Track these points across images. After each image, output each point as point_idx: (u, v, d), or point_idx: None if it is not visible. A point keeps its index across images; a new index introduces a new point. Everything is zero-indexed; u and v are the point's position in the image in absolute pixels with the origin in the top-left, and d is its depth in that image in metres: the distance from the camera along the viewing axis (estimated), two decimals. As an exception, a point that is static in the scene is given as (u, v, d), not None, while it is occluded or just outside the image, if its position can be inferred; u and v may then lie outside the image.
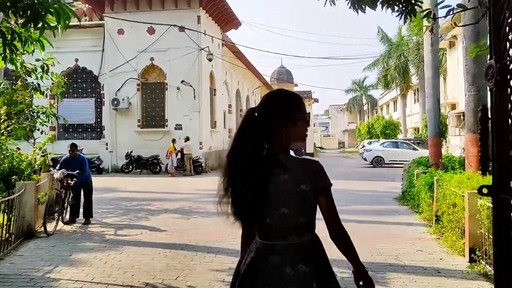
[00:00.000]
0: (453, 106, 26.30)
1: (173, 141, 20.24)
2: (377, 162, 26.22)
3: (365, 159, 27.05)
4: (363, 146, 34.68)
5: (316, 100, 63.05)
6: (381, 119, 45.86)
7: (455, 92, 26.18)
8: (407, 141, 27.68)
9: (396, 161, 26.18)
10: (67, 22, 4.24)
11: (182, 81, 21.11)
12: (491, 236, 5.17)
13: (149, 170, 20.72)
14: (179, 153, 20.38)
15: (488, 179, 6.37)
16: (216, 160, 23.36)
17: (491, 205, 5.36)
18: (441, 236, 7.10)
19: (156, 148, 21.04)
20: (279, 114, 1.90)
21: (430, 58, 11.98)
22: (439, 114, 11.62)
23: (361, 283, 1.90)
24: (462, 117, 24.11)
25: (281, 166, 1.86)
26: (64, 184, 8.46)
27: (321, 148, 61.87)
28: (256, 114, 1.93)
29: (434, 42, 12.09)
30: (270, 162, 1.88)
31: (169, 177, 19.21)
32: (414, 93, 44.68)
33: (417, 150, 26.11)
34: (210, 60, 21.74)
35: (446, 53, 29.10)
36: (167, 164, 20.31)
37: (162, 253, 6.25)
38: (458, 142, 25.15)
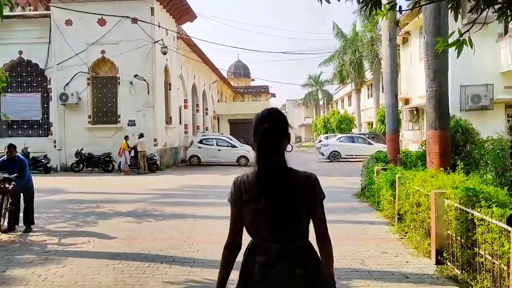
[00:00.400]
0: (406, 101, 26.84)
1: (126, 138, 19.34)
2: (334, 156, 26.36)
3: (322, 154, 27.15)
4: (320, 141, 34.92)
5: (273, 95, 63.35)
6: (336, 114, 46.50)
7: (408, 87, 26.70)
8: (363, 136, 28.01)
9: (352, 155, 26.44)
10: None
11: (135, 75, 20.19)
12: (459, 238, 4.99)
13: (101, 169, 19.73)
14: (132, 151, 19.52)
15: (452, 177, 6.25)
16: (171, 158, 22.72)
17: (460, 206, 5.26)
18: (405, 236, 6.93)
19: (108, 146, 20.06)
20: (286, 130, 2.13)
21: (388, 53, 11.91)
22: (397, 110, 11.58)
23: None
24: (415, 112, 24.62)
25: (290, 176, 2.07)
26: (1, 188, 7.65)
27: (278, 143, 61.84)
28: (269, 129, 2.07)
29: (392, 37, 12.04)
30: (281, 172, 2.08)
31: (122, 175, 18.35)
32: (368, 88, 45.58)
33: (372, 144, 26.50)
34: (164, 53, 20.95)
35: (399, 49, 29.65)
36: (120, 162, 19.41)
37: (110, 265, 5.68)
38: (411, 136, 25.70)
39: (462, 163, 7.20)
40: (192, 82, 29.85)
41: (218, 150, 22.79)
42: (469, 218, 4.66)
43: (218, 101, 42.09)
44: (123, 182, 16.06)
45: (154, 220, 8.72)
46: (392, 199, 8.16)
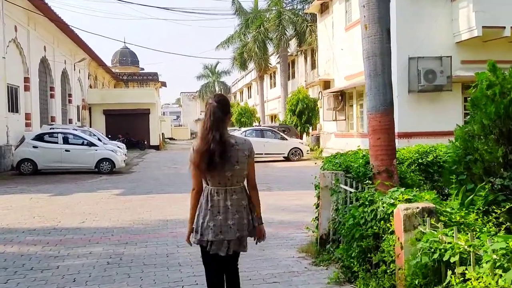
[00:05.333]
0: (327, 85, 21.46)
1: None
2: (238, 156, 20.01)
3: (223, 153, 20.67)
4: (219, 136, 28.42)
5: (164, 84, 55.43)
6: (236, 106, 40.52)
7: (328, 67, 21.30)
8: (273, 129, 22.11)
9: (262, 154, 20.36)
10: None
11: None
12: None
13: None
14: None
15: None
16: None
17: None
18: None
19: None
20: (228, 110, 2.95)
21: None
22: (390, 62, 5.38)
23: (256, 224, 3.05)
24: (340, 97, 19.18)
25: (235, 141, 2.90)
26: None
27: (171, 139, 54.50)
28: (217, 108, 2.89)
29: None
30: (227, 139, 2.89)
31: None
32: (271, 77, 40.35)
33: (287, 139, 20.69)
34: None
35: (316, 20, 24.29)
36: None
37: None
38: (334, 129, 20.31)
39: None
40: (40, 55, 21.35)
41: (66, 150, 14.99)
42: None
43: (91, 87, 33.42)
44: None
45: None
46: None
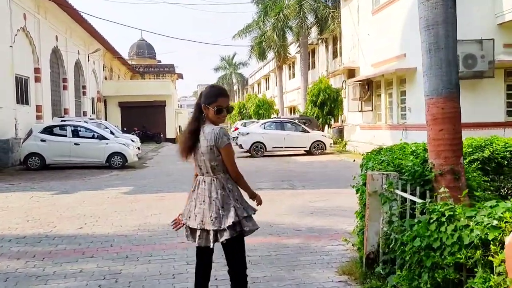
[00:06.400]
0: (351, 73, 20.15)
1: None
2: (257, 150, 18.97)
3: (241, 146, 19.58)
4: (236, 129, 27.42)
5: (181, 76, 54.57)
6: (254, 98, 39.36)
7: (353, 54, 19.99)
8: (294, 121, 20.93)
9: (282, 147, 19.27)
10: None
11: None
12: None
13: None
14: None
15: None
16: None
17: None
18: None
19: None
20: (203, 100, 2.99)
21: None
22: (455, 33, 4.21)
23: (255, 201, 3.15)
24: (366, 87, 17.91)
25: (203, 131, 2.95)
26: None
27: (188, 132, 53.65)
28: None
29: None
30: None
31: None
32: (289, 68, 39.07)
33: (308, 132, 19.49)
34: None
35: (338, 6, 22.96)
36: None
37: None
38: (359, 120, 19.06)
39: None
40: (52, 45, 20.58)
41: (75, 144, 14.12)
42: None
43: (106, 78, 32.70)
44: None
45: None
46: None
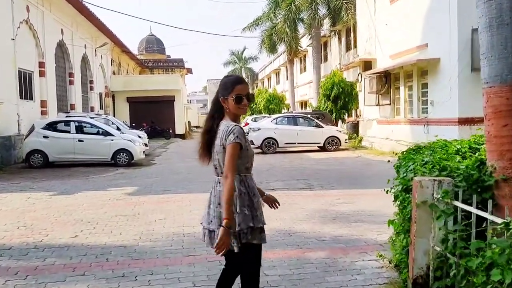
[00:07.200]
0: (367, 65, 19.25)
1: None
2: (269, 146, 18.22)
3: (252, 142, 18.85)
4: (247, 124, 26.65)
5: (190, 71, 53.87)
6: (264, 93, 38.51)
7: (370, 45, 19.08)
8: (307, 116, 20.12)
9: (295, 143, 18.49)
10: None
11: None
12: None
13: None
14: None
15: None
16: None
17: None
18: None
19: None
20: (221, 93, 2.72)
21: None
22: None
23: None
24: (384, 79, 17.04)
25: (218, 129, 2.71)
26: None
27: (197, 127, 53.08)
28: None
29: None
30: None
31: None
32: (301, 61, 38.15)
33: (322, 127, 18.68)
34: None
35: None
36: None
37: None
38: (376, 115, 18.18)
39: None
40: (57, 38, 19.97)
41: (79, 140, 13.48)
42: None
43: (114, 73, 32.11)
44: None
45: None
46: None
